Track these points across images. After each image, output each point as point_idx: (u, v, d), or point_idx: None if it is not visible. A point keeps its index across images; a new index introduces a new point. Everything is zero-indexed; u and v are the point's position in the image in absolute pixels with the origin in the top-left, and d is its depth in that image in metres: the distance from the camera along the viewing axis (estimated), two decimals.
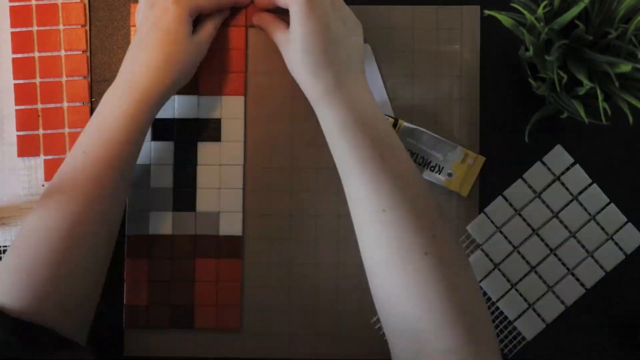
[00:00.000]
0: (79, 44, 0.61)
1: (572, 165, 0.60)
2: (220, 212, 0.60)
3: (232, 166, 0.61)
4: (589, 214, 0.60)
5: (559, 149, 0.60)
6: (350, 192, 0.50)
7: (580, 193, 0.60)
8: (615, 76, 0.49)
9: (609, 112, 0.50)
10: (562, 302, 0.59)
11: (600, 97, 0.49)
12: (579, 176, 0.60)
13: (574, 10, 0.48)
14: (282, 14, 0.57)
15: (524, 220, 0.60)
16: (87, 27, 0.61)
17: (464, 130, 0.61)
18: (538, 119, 0.57)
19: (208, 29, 0.57)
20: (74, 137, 0.60)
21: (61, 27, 0.61)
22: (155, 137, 0.61)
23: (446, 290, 0.44)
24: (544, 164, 0.60)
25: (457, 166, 0.59)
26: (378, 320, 0.59)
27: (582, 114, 0.50)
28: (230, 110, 0.61)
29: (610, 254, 0.59)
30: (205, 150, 0.61)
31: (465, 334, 0.44)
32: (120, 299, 0.60)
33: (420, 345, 0.44)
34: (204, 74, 0.61)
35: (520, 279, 0.59)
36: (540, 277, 0.59)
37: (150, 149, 0.61)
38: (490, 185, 0.60)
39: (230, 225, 0.60)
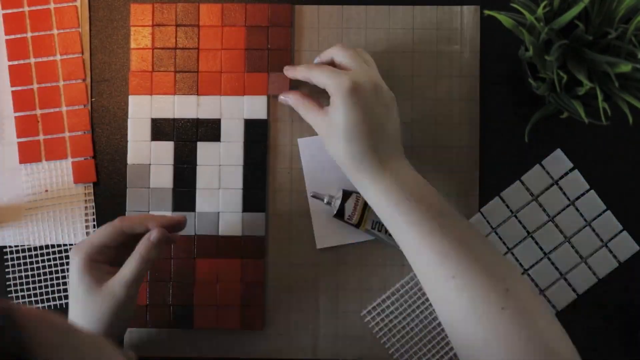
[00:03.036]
0: (74, 47, 0.61)
1: (571, 170, 0.60)
2: (220, 212, 0.60)
3: (232, 166, 0.61)
4: (585, 220, 0.60)
5: (558, 153, 0.60)
6: (417, 266, 0.50)
7: (577, 198, 0.60)
8: (615, 76, 0.49)
9: (609, 112, 0.50)
10: (554, 306, 0.59)
11: (600, 97, 0.49)
12: (577, 181, 0.60)
13: (574, 11, 0.48)
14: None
15: (520, 222, 0.60)
16: (81, 30, 0.61)
17: (464, 130, 0.61)
18: (538, 119, 0.57)
19: (125, 270, 0.50)
20: (74, 140, 0.60)
21: (55, 31, 0.61)
22: (155, 137, 0.61)
23: (529, 339, 0.45)
24: (543, 167, 0.60)
25: None
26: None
27: (582, 114, 0.50)
28: (230, 110, 0.61)
29: (604, 261, 0.59)
30: (205, 150, 0.61)
31: None
32: None
33: None
34: (204, 73, 0.61)
35: None
36: (532, 279, 0.59)
37: (150, 149, 0.61)
38: (490, 185, 0.60)
39: (230, 225, 0.60)
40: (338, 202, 0.58)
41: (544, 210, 0.60)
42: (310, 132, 0.60)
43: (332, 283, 0.60)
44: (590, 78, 0.50)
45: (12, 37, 0.61)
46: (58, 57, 0.61)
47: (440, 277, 0.48)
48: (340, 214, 0.58)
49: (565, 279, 0.59)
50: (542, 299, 0.51)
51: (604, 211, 0.60)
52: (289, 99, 0.58)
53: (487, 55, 0.61)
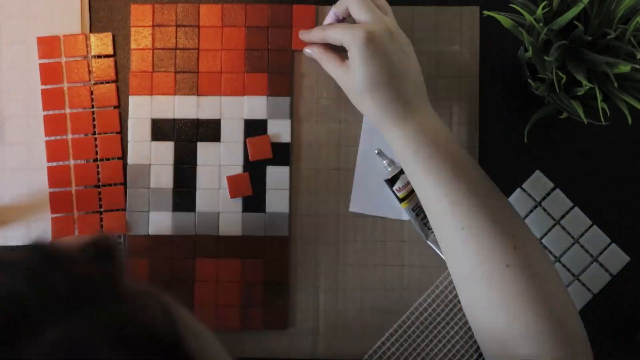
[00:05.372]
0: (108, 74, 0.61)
1: (553, 190, 0.60)
2: (220, 212, 0.60)
3: (232, 166, 0.61)
4: (573, 237, 0.59)
5: (538, 175, 0.60)
6: (431, 214, 0.52)
7: (562, 217, 0.60)
8: (614, 77, 0.49)
9: (608, 112, 0.50)
10: None
11: (599, 97, 0.49)
12: (560, 200, 0.60)
13: (573, 11, 0.48)
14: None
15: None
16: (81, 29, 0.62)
17: (463, 130, 0.61)
18: (537, 119, 0.57)
19: None
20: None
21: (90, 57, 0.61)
22: (155, 137, 0.61)
23: (530, 301, 0.45)
24: (524, 190, 0.60)
25: None
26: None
27: (581, 115, 0.50)
28: (230, 110, 0.61)
29: (597, 275, 0.59)
30: (205, 150, 0.61)
31: (551, 340, 0.44)
32: None
33: (509, 352, 0.45)
34: (204, 74, 0.61)
35: None
36: None
37: (150, 149, 0.61)
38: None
39: (230, 225, 0.60)
40: (396, 170, 0.58)
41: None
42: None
43: (332, 283, 0.60)
44: (590, 78, 0.50)
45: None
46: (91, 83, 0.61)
47: (450, 227, 0.49)
48: (392, 181, 0.58)
49: None
50: (551, 262, 0.51)
51: (590, 226, 0.59)
52: (313, 51, 0.58)
53: (486, 56, 0.61)
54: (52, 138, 0.60)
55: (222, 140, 0.61)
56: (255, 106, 0.61)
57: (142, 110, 0.61)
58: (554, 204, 0.60)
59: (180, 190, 0.61)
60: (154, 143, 0.61)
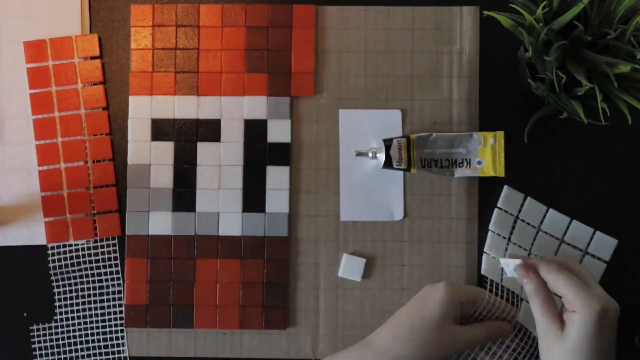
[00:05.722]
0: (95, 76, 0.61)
1: (524, 199, 0.60)
2: (220, 213, 0.60)
3: (232, 166, 0.61)
4: (557, 238, 0.59)
5: (507, 190, 0.60)
6: None
7: (541, 222, 0.60)
8: (614, 77, 0.49)
9: (608, 112, 0.50)
10: None
11: (599, 97, 0.49)
12: (535, 207, 0.60)
13: (573, 11, 0.48)
14: None
15: (502, 269, 0.59)
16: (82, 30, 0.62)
17: (463, 130, 0.61)
18: (537, 119, 0.57)
19: (476, 332, 0.52)
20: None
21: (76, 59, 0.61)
22: (155, 137, 0.61)
23: None
24: (500, 209, 0.60)
25: (482, 152, 0.59)
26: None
27: (581, 115, 0.50)
28: (230, 110, 0.61)
29: (591, 267, 0.59)
30: (205, 150, 0.61)
31: None
32: (120, 299, 0.60)
33: None
34: (204, 74, 0.61)
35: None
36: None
37: (150, 149, 0.61)
38: (489, 186, 0.60)
39: (230, 225, 0.60)
40: (382, 152, 0.58)
41: (520, 246, 0.59)
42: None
43: (332, 283, 0.60)
44: (590, 78, 0.50)
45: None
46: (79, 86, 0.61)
47: None
48: (389, 163, 0.58)
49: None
50: None
51: (570, 223, 0.59)
52: (528, 283, 0.51)
53: (486, 56, 0.61)
54: (42, 142, 0.61)
55: (222, 140, 0.61)
56: (255, 106, 0.61)
57: (142, 110, 0.61)
58: (530, 213, 0.60)
59: (180, 190, 0.61)
60: (154, 143, 0.61)
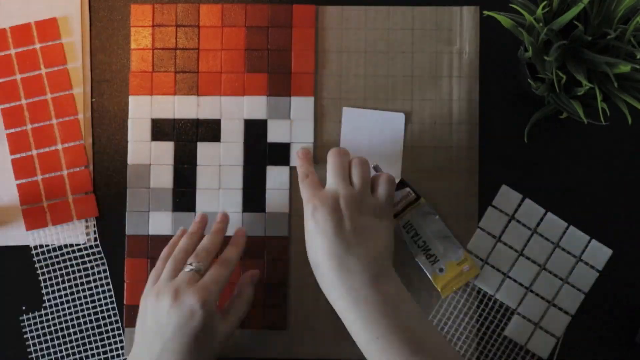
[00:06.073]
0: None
1: (522, 200, 0.60)
2: (219, 213, 0.60)
3: (232, 166, 0.61)
4: (552, 242, 0.59)
5: (504, 189, 0.60)
6: None
7: (537, 225, 0.59)
8: (614, 77, 0.49)
9: (608, 112, 0.50)
10: (553, 335, 0.59)
11: (599, 97, 0.49)
12: (532, 209, 0.60)
13: (573, 11, 0.48)
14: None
15: (493, 267, 0.59)
16: (82, 39, 0.62)
17: (463, 130, 0.61)
18: (537, 119, 0.57)
19: (235, 317, 0.54)
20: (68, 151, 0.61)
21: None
22: (155, 137, 0.61)
23: None
24: (495, 207, 0.60)
25: (452, 266, 0.58)
26: None
27: (581, 115, 0.50)
28: (230, 110, 0.61)
29: (584, 275, 0.59)
30: (205, 150, 0.61)
31: None
32: (120, 299, 0.60)
33: None
34: (204, 74, 0.61)
35: (505, 324, 0.59)
36: (524, 317, 0.59)
37: (150, 149, 0.61)
38: (489, 186, 0.60)
39: (230, 225, 0.60)
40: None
41: (510, 247, 0.59)
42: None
43: None
44: (590, 78, 0.50)
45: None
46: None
47: None
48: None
49: (555, 305, 0.59)
50: None
51: (567, 228, 0.59)
52: (299, 162, 0.58)
53: (486, 56, 0.61)
54: (12, 130, 0.61)
55: (222, 140, 0.61)
56: (255, 106, 0.61)
57: (142, 110, 0.61)
58: (527, 214, 0.60)
59: (180, 190, 0.61)
60: (154, 143, 0.61)
